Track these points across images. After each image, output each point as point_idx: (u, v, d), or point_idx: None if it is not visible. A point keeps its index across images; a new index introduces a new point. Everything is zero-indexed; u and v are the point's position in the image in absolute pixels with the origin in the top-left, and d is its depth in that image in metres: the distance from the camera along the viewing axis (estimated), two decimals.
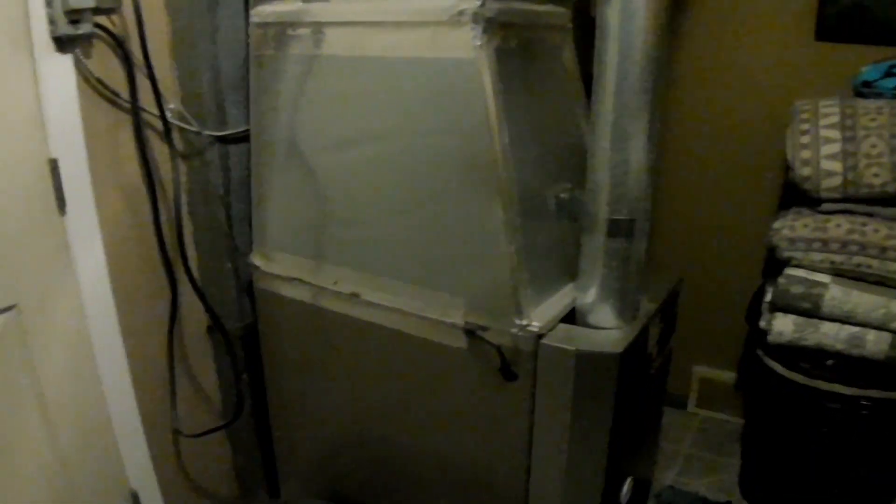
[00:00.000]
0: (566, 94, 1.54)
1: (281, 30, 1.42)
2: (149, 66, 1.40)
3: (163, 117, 1.48)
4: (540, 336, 1.21)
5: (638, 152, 1.20)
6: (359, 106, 1.35)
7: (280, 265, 1.57)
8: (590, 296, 1.26)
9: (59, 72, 1.35)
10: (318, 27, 1.36)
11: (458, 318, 1.27)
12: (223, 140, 1.58)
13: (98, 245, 1.47)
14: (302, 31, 1.39)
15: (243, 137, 1.60)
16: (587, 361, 1.18)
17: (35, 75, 1.32)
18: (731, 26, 2.04)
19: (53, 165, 1.37)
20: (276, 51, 1.44)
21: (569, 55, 1.55)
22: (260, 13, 1.45)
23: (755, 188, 2.12)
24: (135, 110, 1.47)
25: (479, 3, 1.14)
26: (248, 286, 1.69)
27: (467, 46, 1.16)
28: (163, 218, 1.56)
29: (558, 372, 1.19)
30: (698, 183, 2.22)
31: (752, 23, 2.01)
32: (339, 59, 1.33)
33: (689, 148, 2.20)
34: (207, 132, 1.56)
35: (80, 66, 1.37)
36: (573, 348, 1.18)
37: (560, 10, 1.49)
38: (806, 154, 1.70)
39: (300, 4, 1.38)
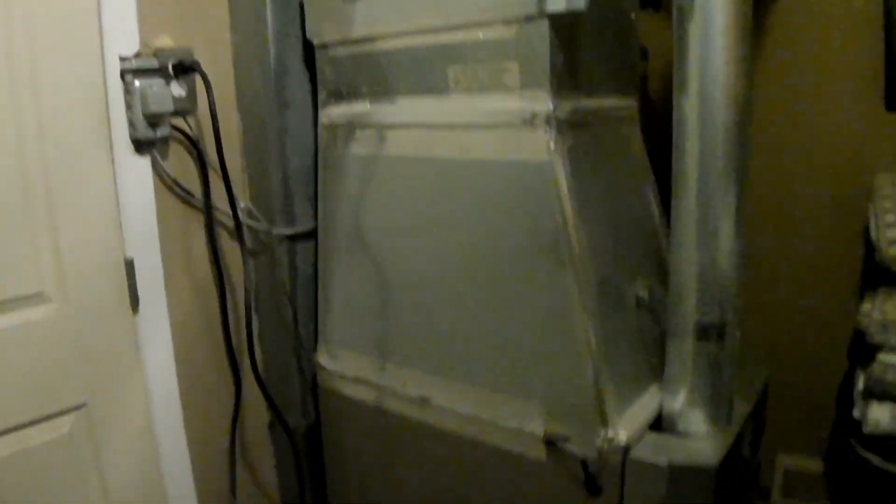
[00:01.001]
0: (637, 185, 1.50)
1: (348, 131, 1.43)
2: (223, 167, 1.42)
3: (234, 216, 1.49)
4: (627, 448, 1.13)
5: (726, 249, 1.14)
6: (426, 205, 1.33)
7: (345, 364, 1.53)
8: (679, 401, 1.18)
9: (138, 173, 1.38)
10: (385, 129, 1.36)
11: (536, 427, 1.20)
12: (291, 238, 1.58)
13: (167, 343, 1.47)
14: (368, 132, 1.40)
15: (311, 235, 1.59)
16: (680, 475, 1.08)
17: (114, 177, 1.35)
18: (802, 97, 1.99)
19: (129, 265, 1.38)
20: (344, 150, 1.45)
21: (637, 145, 1.52)
22: (328, 115, 1.47)
23: (834, 265, 2.01)
24: (208, 209, 1.48)
25: (551, 105, 1.12)
26: (312, 383, 1.66)
27: (541, 149, 1.14)
28: (230, 315, 1.55)
29: (648, 486, 1.10)
30: (773, 261, 2.12)
31: (822, 95, 1.95)
32: (406, 160, 1.33)
33: (760, 224, 2.12)
34: (276, 230, 1.56)
35: (156, 167, 1.40)
36: (665, 462, 1.09)
37: (627, 101, 1.47)
38: (892, 234, 1.61)
39: (367, 106, 1.39)
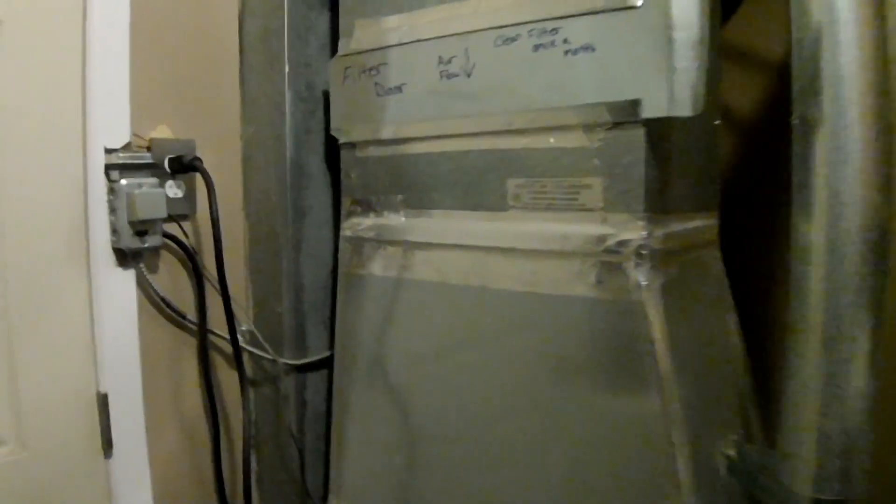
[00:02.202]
0: (719, 317, 1.24)
1: (375, 246, 1.19)
2: (222, 283, 1.18)
3: (234, 341, 1.23)
4: None
5: (857, 409, 0.86)
6: (469, 341, 1.07)
7: None
8: None
9: (119, 290, 1.14)
10: (421, 248, 1.12)
11: None
12: (301, 368, 1.32)
13: (146, 490, 1.21)
14: (400, 249, 1.15)
15: (324, 364, 1.33)
16: None
17: (90, 294, 1.11)
18: None
19: (102, 401, 1.13)
20: (369, 269, 1.20)
21: (718, 269, 1.26)
22: (352, 226, 1.24)
23: None
24: (202, 333, 1.23)
25: (644, 233, 0.88)
26: None
27: (629, 286, 0.88)
28: (225, 458, 1.28)
29: None
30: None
31: None
32: (445, 287, 1.08)
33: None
34: (283, 359, 1.30)
35: (142, 283, 1.16)
36: None
37: (710, 220, 1.22)
38: None
39: (400, 220, 1.15)
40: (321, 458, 1.35)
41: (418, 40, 1.09)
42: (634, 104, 0.86)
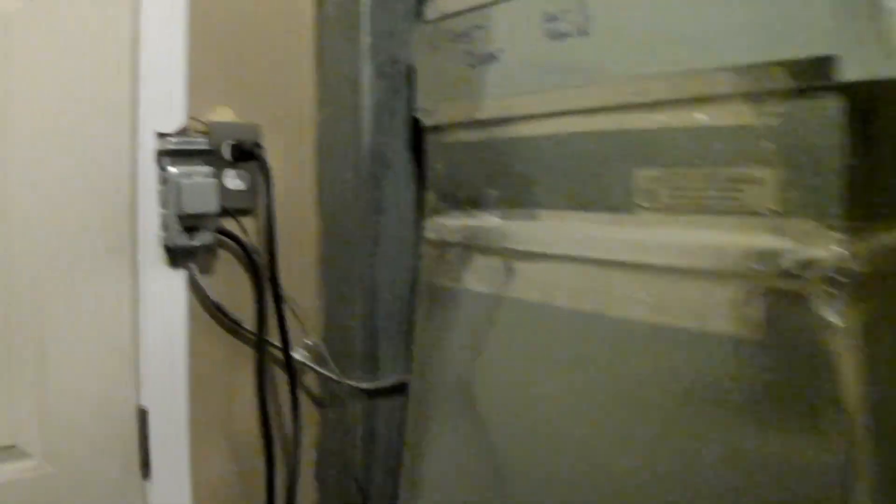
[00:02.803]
0: None
1: (464, 253, 0.98)
2: (275, 288, 1.01)
3: (287, 357, 1.06)
4: None
5: None
6: (587, 377, 0.83)
7: None
8: None
9: (166, 293, 0.99)
10: (520, 257, 0.89)
11: None
12: (371, 393, 1.12)
13: None
14: (495, 259, 0.93)
15: (398, 390, 1.13)
16: None
17: (134, 296, 0.97)
18: None
19: (142, 417, 0.98)
20: (456, 280, 0.99)
21: None
22: (436, 227, 1.03)
23: None
24: (260, 345, 1.06)
25: (841, 249, 0.61)
26: None
27: (813, 325, 0.62)
28: (278, 485, 1.10)
29: None
30: None
31: None
32: (557, 312, 0.84)
33: None
34: (351, 381, 1.11)
35: (194, 286, 1.00)
36: None
37: None
38: None
39: (495, 221, 0.93)
40: (389, 496, 1.15)
41: None
42: (827, 62, 0.60)
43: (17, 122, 0.86)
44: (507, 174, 0.92)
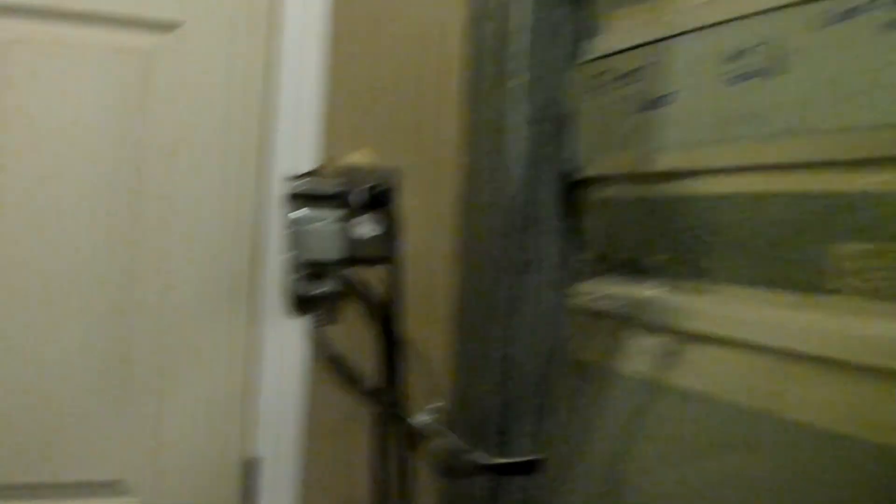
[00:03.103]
0: None
1: (618, 328, 0.84)
2: (390, 343, 0.92)
3: (402, 419, 0.96)
4: None
5: None
6: (754, 482, 0.66)
7: None
8: None
9: (286, 342, 0.94)
10: (692, 341, 0.74)
11: None
12: (500, 469, 0.99)
13: None
14: (658, 339, 0.78)
15: (531, 468, 0.99)
16: None
17: (253, 343, 0.92)
18: None
19: (250, 467, 0.93)
20: (607, 359, 0.85)
21: None
22: (588, 294, 0.90)
23: None
24: (380, 405, 0.97)
25: None
26: None
27: None
28: None
29: None
30: None
31: None
32: (721, 408, 0.69)
33: None
34: (478, 456, 0.99)
35: (315, 337, 0.94)
36: None
37: None
38: None
39: (662, 293, 0.79)
40: None
41: (691, 30, 0.74)
42: None
43: (149, 162, 0.85)
44: (677, 238, 0.78)
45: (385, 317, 0.96)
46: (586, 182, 0.92)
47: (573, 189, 0.95)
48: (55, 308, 0.84)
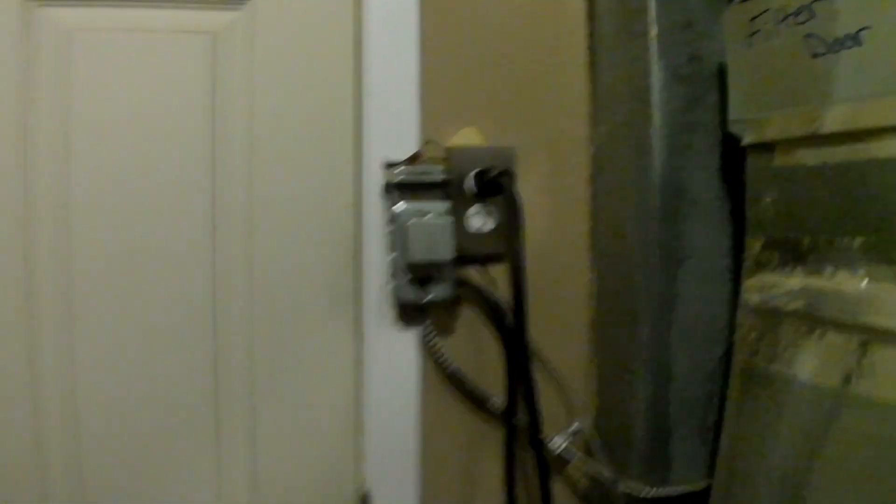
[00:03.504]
0: None
1: (805, 328, 0.65)
2: (521, 354, 0.77)
3: (535, 443, 0.81)
4: None
5: None
6: None
7: None
8: None
9: (396, 357, 0.82)
10: (892, 340, 0.55)
11: None
12: (657, 503, 0.82)
13: None
14: (855, 340, 0.60)
15: (691, 500, 0.82)
16: None
17: (358, 358, 0.81)
18: None
19: (364, 501, 0.82)
20: (789, 367, 0.66)
21: None
22: (762, 287, 0.71)
23: None
24: (510, 425, 0.83)
25: None
26: None
27: None
28: None
29: None
30: None
31: None
32: None
33: None
34: (629, 483, 0.82)
35: (428, 349, 0.81)
36: None
37: None
38: None
39: (859, 284, 0.61)
40: None
41: None
42: None
43: (226, 155, 0.76)
44: (873, 214, 0.59)
45: (509, 324, 0.82)
46: (752, 150, 0.73)
47: (735, 160, 0.76)
48: (129, 326, 0.76)
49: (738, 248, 0.78)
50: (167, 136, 0.73)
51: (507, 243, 0.79)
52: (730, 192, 0.80)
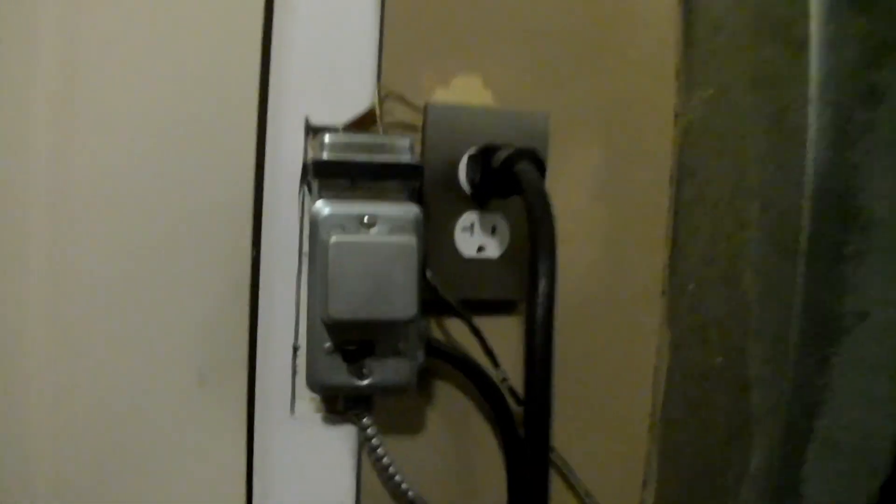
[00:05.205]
0: None
1: None
2: (544, 478, 0.41)
3: None
4: None
5: None
6: None
7: None
8: None
9: (316, 471, 0.46)
10: None
11: None
12: None
13: None
14: None
15: None
16: None
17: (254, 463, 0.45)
18: None
19: None
20: None
21: None
22: None
23: None
24: None
25: None
26: None
27: None
28: None
29: None
30: None
31: None
32: None
33: None
34: None
35: (373, 463, 0.45)
36: None
37: None
38: None
39: None
40: None
41: None
42: None
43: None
44: None
45: (518, 428, 0.46)
46: None
47: None
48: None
49: None
50: None
51: (528, 282, 0.42)
52: None
